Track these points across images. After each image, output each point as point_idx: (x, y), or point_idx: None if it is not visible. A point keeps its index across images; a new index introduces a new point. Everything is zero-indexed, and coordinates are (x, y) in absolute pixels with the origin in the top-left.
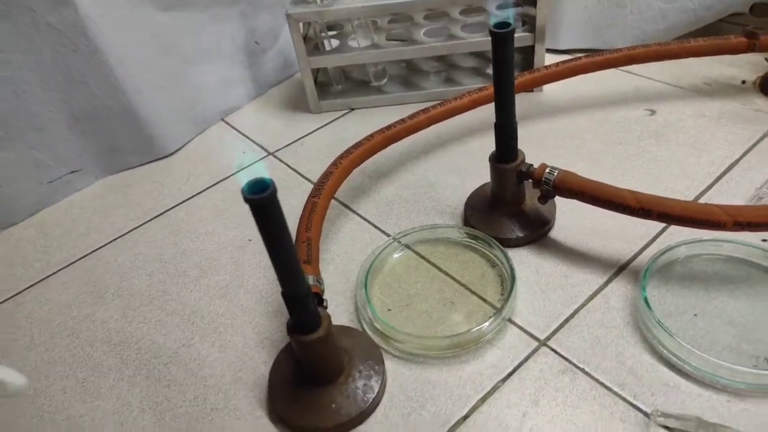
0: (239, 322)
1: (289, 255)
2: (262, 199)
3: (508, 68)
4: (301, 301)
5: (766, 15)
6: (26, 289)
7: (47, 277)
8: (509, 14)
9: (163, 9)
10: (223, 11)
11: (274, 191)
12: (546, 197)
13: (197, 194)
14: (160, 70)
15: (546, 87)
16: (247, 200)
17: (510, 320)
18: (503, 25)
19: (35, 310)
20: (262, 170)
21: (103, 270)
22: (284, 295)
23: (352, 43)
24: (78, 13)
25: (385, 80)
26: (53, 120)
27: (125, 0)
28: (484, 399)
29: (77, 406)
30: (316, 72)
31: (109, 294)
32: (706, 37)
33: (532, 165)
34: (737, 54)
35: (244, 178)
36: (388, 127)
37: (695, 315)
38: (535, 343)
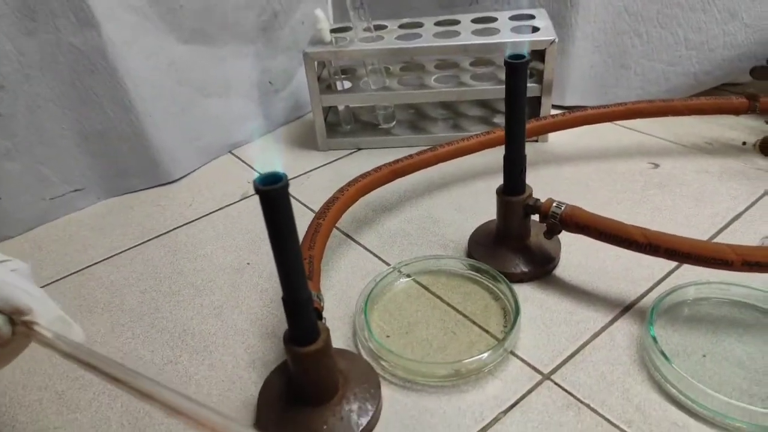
0: (231, 342)
1: (294, 254)
2: (273, 191)
3: (521, 100)
4: (302, 306)
5: (766, 78)
6: None
7: None
8: (524, 47)
9: (184, 41)
10: (241, 49)
11: (286, 185)
12: (552, 232)
13: (199, 218)
14: (173, 98)
15: (551, 137)
16: (258, 191)
17: (512, 353)
18: (518, 56)
19: None
20: (276, 165)
21: (95, 285)
22: (285, 300)
23: (364, 87)
24: (101, 37)
25: (394, 123)
26: (63, 137)
27: (149, 29)
28: (483, 430)
29: (52, 418)
30: (326, 111)
31: (98, 309)
32: (708, 96)
33: (539, 199)
34: (738, 114)
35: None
36: (396, 161)
37: (704, 356)
38: (539, 377)
